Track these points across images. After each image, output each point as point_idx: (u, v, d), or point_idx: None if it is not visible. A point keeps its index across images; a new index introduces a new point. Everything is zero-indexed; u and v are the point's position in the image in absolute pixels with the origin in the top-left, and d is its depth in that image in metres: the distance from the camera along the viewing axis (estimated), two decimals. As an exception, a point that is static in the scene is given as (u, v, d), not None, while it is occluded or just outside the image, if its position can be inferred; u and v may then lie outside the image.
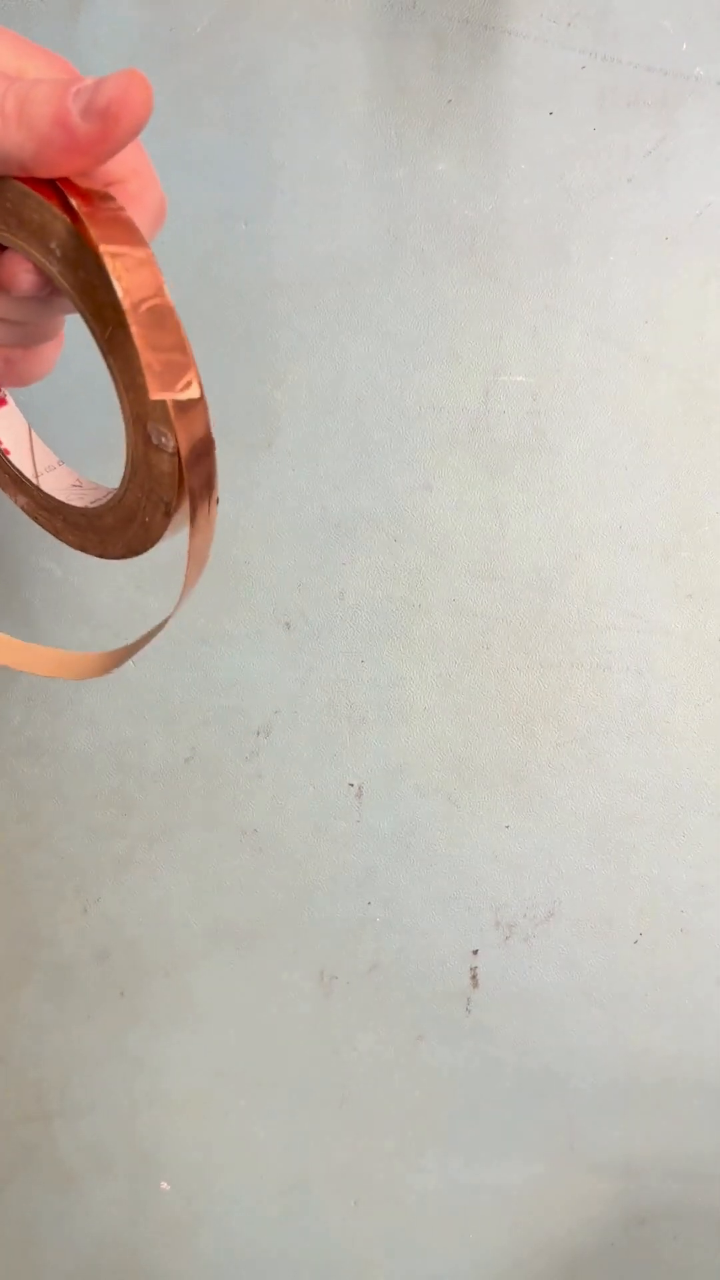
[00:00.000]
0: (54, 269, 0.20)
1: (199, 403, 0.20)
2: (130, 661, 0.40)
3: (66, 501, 0.26)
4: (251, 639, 0.39)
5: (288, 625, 0.39)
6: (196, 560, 0.23)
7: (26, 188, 0.20)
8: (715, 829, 0.39)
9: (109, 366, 0.21)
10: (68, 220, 0.20)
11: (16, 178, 0.20)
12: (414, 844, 0.40)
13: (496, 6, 0.37)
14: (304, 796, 0.39)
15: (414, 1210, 0.41)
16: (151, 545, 0.24)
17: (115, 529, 0.24)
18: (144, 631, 0.39)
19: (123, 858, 0.40)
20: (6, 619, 0.40)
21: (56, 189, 0.20)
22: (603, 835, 0.39)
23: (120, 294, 0.19)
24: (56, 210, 0.20)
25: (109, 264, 0.19)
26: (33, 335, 0.24)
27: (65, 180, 0.20)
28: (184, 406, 0.20)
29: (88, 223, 0.19)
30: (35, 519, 0.27)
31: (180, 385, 0.19)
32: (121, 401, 0.21)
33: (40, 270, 0.21)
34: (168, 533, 0.23)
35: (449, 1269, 0.41)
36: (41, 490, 0.26)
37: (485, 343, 0.38)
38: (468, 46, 0.37)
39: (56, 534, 0.27)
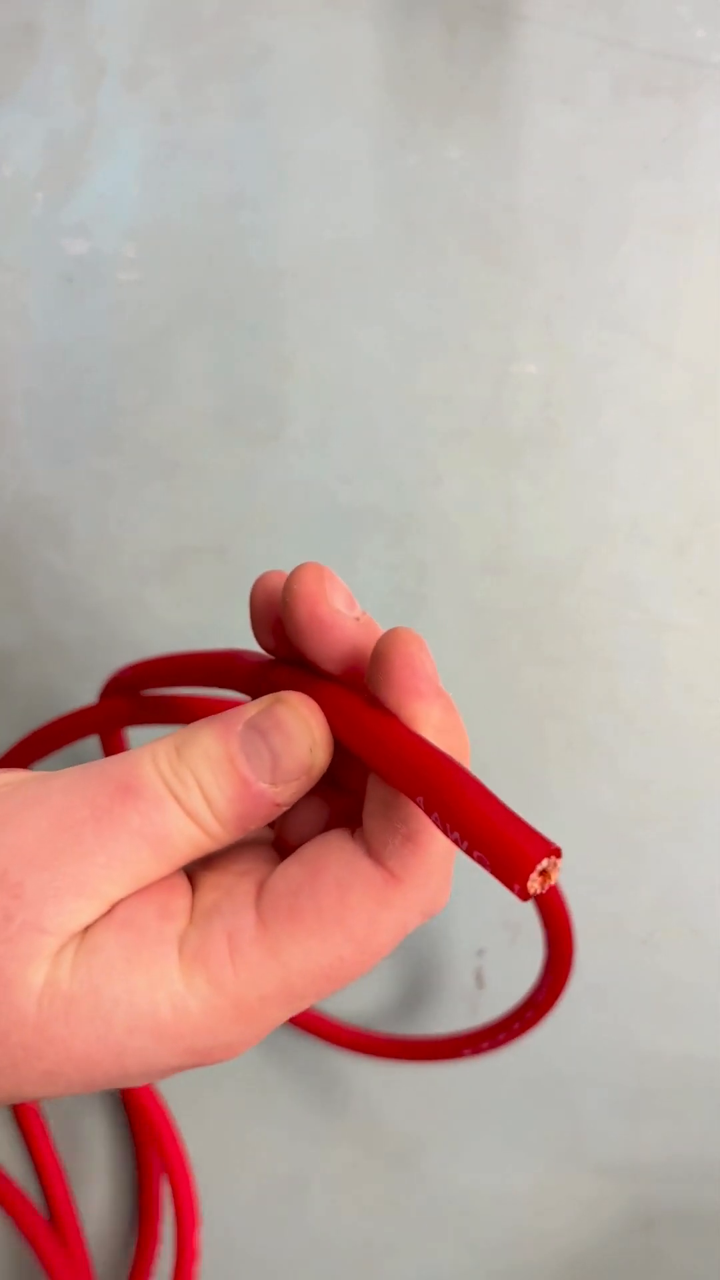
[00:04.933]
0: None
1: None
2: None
3: None
4: (257, 632, 0.39)
5: (294, 618, 0.39)
6: None
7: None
8: (726, 828, 0.39)
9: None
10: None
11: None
12: (420, 841, 0.39)
13: (510, -9, 0.36)
14: (309, 792, 0.39)
15: (417, 1213, 0.40)
16: None
17: None
18: (143, 628, 0.39)
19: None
20: (9, 611, 0.39)
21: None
22: (612, 834, 0.39)
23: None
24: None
25: None
26: None
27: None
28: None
29: None
30: None
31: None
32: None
33: None
34: None
35: (452, 1272, 0.40)
36: None
37: (496, 333, 0.37)
38: (481, 32, 0.36)
39: None
